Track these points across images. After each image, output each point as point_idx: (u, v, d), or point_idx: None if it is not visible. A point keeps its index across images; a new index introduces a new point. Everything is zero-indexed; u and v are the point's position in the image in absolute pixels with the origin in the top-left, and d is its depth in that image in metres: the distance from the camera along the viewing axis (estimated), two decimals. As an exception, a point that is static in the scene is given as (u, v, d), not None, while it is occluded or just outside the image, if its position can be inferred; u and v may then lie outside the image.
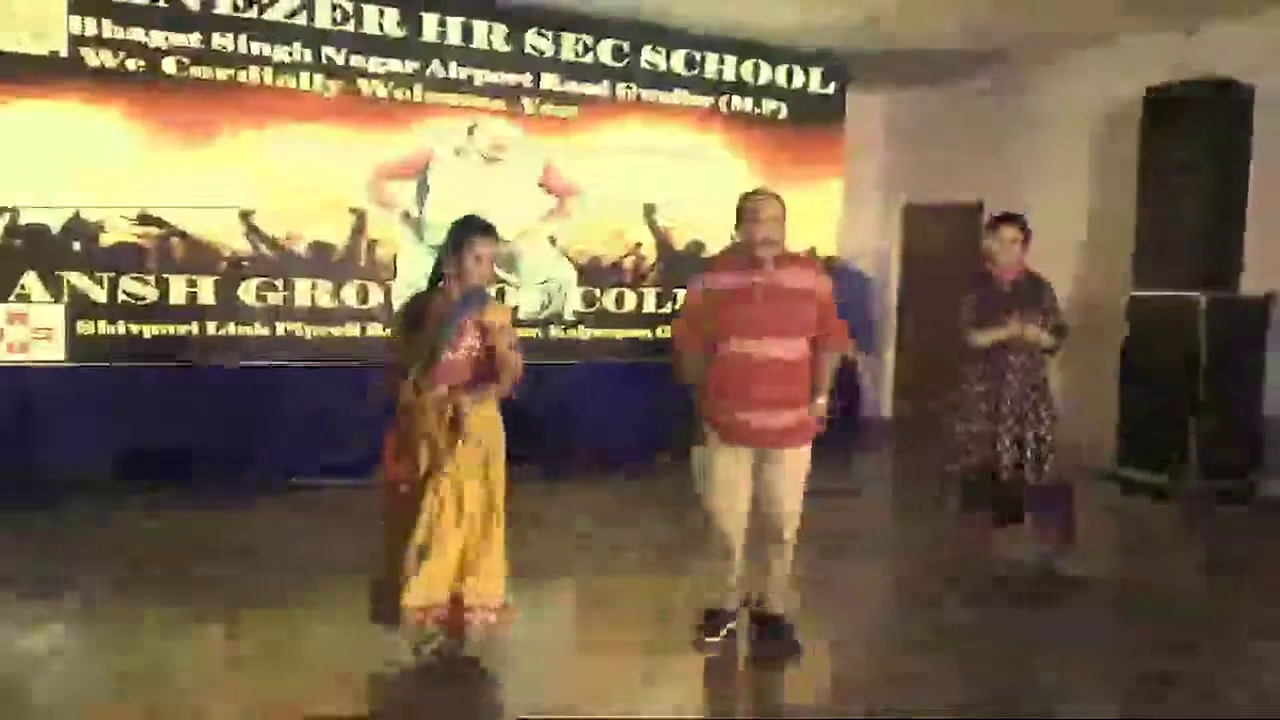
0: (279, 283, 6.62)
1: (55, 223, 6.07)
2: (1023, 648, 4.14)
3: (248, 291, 6.55)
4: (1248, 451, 6.61)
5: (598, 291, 7.60)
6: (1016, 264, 4.95)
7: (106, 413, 6.04)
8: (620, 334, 7.68)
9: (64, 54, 6.03)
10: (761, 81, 8.07)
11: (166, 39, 6.25)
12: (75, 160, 6.07)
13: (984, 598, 4.70)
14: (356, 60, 6.73)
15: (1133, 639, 4.31)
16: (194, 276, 6.41)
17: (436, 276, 3.77)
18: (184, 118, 6.30)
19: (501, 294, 7.24)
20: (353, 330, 6.81)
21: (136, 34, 6.18)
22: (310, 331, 6.71)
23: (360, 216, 6.81)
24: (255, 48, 6.46)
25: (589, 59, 7.44)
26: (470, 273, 3.67)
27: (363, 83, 6.76)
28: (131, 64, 6.18)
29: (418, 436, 3.66)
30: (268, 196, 6.54)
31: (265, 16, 6.47)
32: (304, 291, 6.70)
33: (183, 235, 6.36)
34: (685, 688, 3.82)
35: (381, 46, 6.79)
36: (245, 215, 6.50)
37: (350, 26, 6.70)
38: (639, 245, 7.71)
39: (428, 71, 6.93)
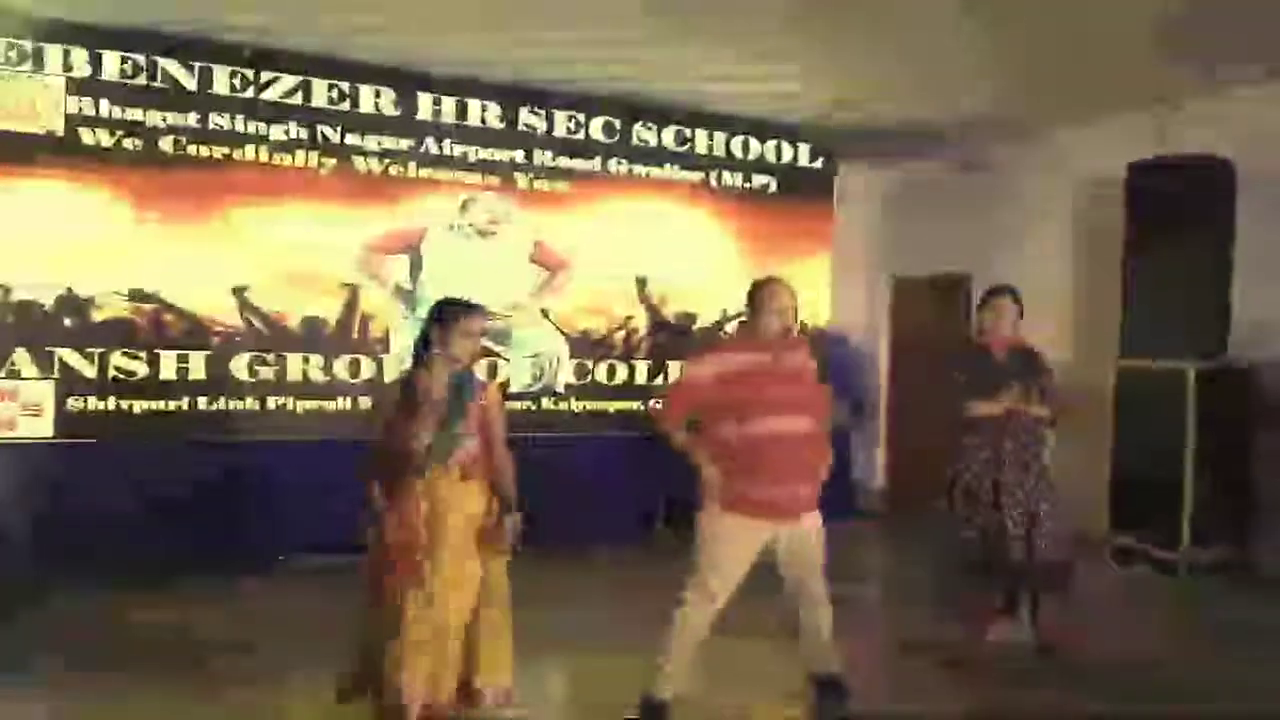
0: (271, 357, 6.60)
1: (47, 299, 6.06)
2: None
3: (240, 366, 6.52)
4: (1240, 520, 6.59)
5: (589, 364, 7.60)
6: (1011, 335, 4.97)
7: (96, 489, 5.96)
8: (613, 406, 7.65)
9: (60, 133, 6.08)
10: (751, 156, 8.18)
11: (164, 118, 6.31)
12: (70, 237, 6.10)
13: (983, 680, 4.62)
14: (351, 138, 6.80)
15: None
16: (185, 352, 6.39)
17: (419, 354, 3.74)
18: (179, 195, 6.34)
19: (494, 367, 7.24)
20: (345, 404, 6.77)
21: (134, 114, 6.24)
22: (302, 406, 6.67)
23: (353, 291, 6.82)
24: (252, 126, 6.53)
25: (580, 135, 7.53)
26: (459, 349, 3.67)
27: (358, 160, 6.83)
28: (128, 143, 6.23)
29: (421, 526, 3.57)
30: (261, 272, 6.56)
31: (262, 96, 6.55)
32: (296, 366, 6.68)
33: (175, 311, 6.36)
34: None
35: (376, 124, 6.87)
36: (238, 291, 6.51)
37: (346, 106, 6.78)
38: (630, 318, 7.74)
39: (422, 148, 7.00)
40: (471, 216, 7.18)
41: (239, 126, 6.50)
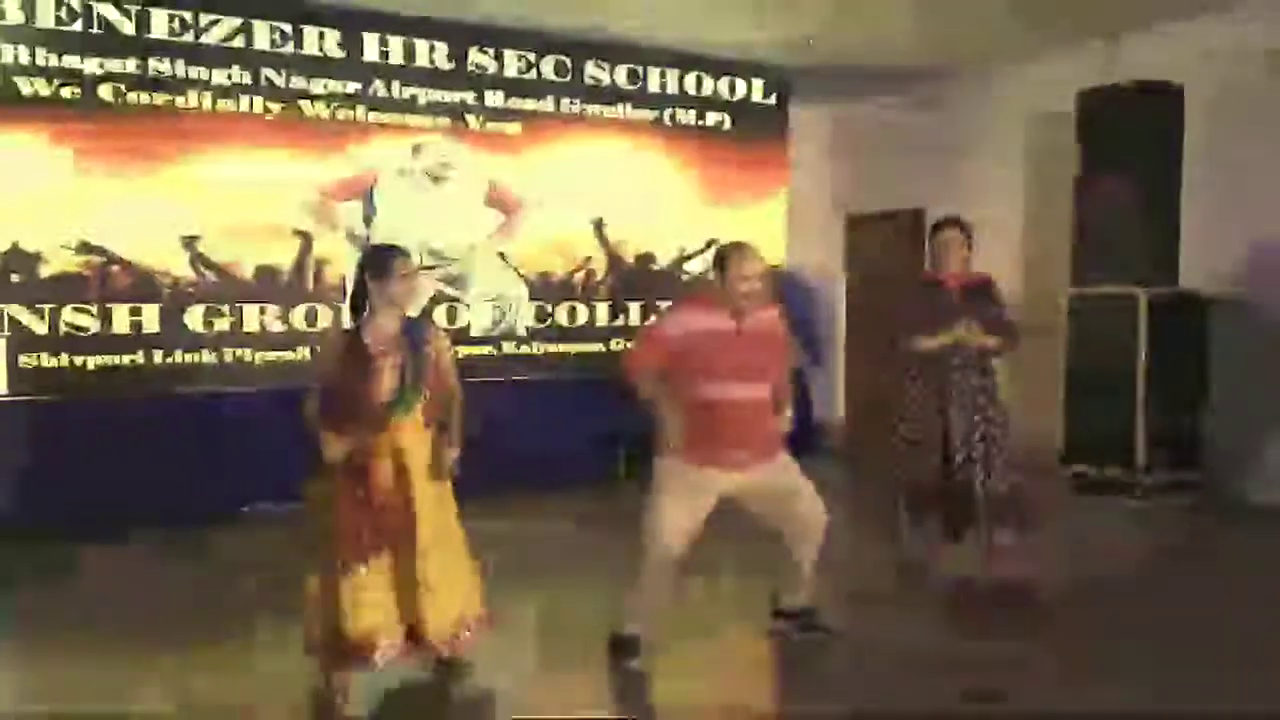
0: (225, 308, 6.51)
1: (-7, 254, 5.93)
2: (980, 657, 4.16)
3: (194, 318, 6.43)
4: (1194, 444, 6.74)
5: (549, 307, 7.57)
6: (962, 268, 5.00)
7: (52, 446, 5.89)
8: (574, 349, 7.65)
9: (-3, 83, 5.91)
10: (704, 94, 8.12)
11: (102, 65, 6.14)
12: (12, 190, 5.95)
13: (932, 606, 4.70)
14: (297, 82, 6.67)
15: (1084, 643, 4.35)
16: (138, 305, 6.29)
17: (358, 307, 3.74)
18: (122, 144, 6.20)
19: (452, 312, 7.19)
20: (304, 354, 6.71)
21: (71, 61, 6.07)
22: (260, 357, 6.61)
23: (306, 239, 6.73)
24: (193, 71, 6.37)
25: (532, 75, 7.43)
26: (399, 296, 3.68)
27: (304, 104, 6.70)
28: (67, 92, 6.06)
29: (379, 489, 3.58)
30: (211, 221, 6.45)
31: (203, 40, 6.39)
32: (252, 316, 6.59)
33: (125, 263, 6.25)
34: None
35: (322, 67, 6.73)
36: (189, 241, 6.40)
37: (290, 48, 6.63)
38: (589, 259, 7.71)
39: (370, 91, 6.88)
40: (423, 160, 7.09)
41: (180, 72, 6.34)
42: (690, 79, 8.06)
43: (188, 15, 6.34)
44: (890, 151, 9.12)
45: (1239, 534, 6.11)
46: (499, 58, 7.31)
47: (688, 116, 8.06)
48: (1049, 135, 7.61)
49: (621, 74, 7.78)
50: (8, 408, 5.96)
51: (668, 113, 7.98)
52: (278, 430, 6.21)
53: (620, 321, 7.80)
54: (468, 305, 7.29)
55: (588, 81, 7.65)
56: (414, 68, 7.03)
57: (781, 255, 8.44)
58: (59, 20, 6.05)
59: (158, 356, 6.34)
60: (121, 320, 6.26)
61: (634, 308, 7.89)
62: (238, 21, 6.48)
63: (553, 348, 7.60)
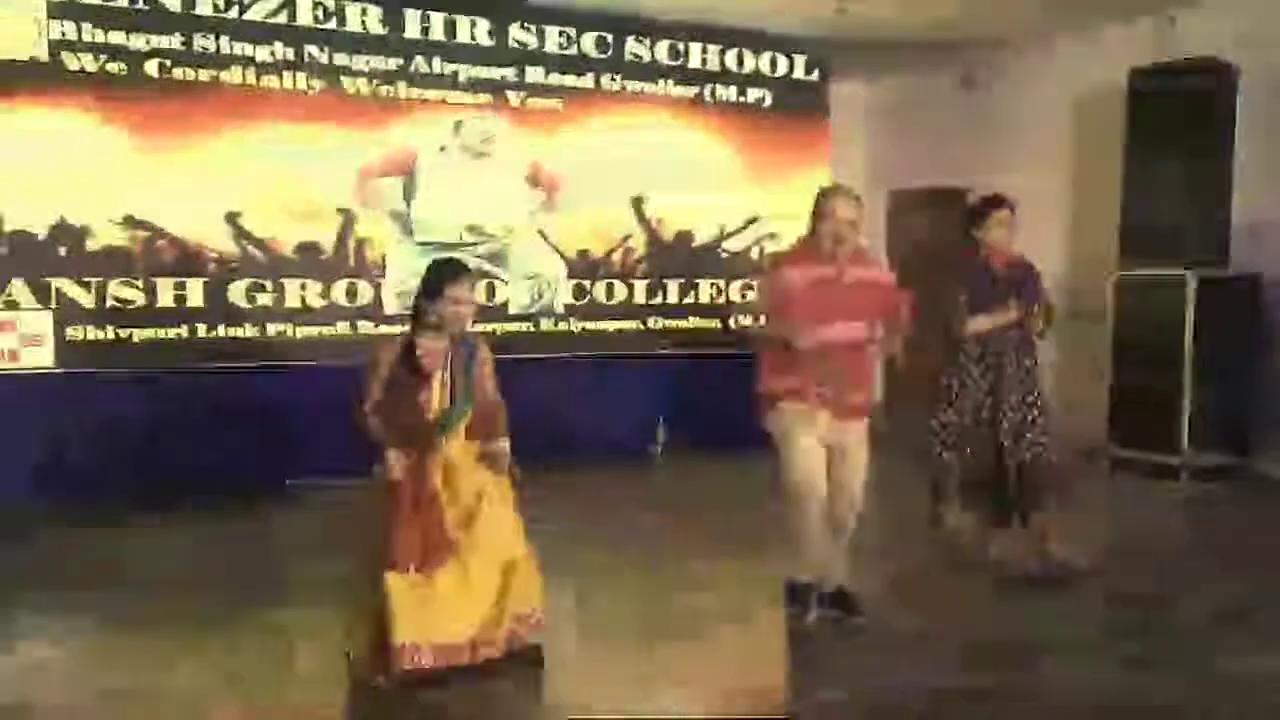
0: (268, 284, 6.57)
1: (40, 229, 6.01)
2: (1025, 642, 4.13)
3: (237, 293, 6.50)
4: (1240, 427, 6.63)
5: (588, 284, 7.57)
6: (1008, 248, 4.93)
7: (100, 418, 5.99)
8: (612, 326, 7.64)
9: (44, 59, 5.97)
10: (745, 70, 8.05)
11: (148, 41, 6.20)
12: (59, 165, 6.05)
13: (983, 593, 4.66)
14: (339, 58, 6.70)
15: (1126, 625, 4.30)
16: (182, 280, 6.36)
17: (414, 320, 3.76)
18: (167, 120, 6.28)
19: (491, 289, 7.20)
20: (344, 329, 6.75)
21: (117, 37, 6.13)
22: (301, 332, 6.66)
23: (348, 216, 6.77)
24: (237, 48, 6.41)
25: (573, 51, 7.41)
26: (451, 319, 3.70)
27: (346, 81, 6.73)
28: (113, 67, 6.12)
29: (433, 499, 3.62)
30: (254, 197, 6.51)
31: (246, 16, 6.42)
32: (293, 292, 6.65)
33: (170, 238, 6.31)
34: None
35: (364, 44, 6.76)
36: (232, 217, 6.46)
37: (332, 25, 6.66)
38: (628, 237, 7.70)
39: (411, 68, 6.89)
40: (464, 137, 7.09)
41: (224, 48, 6.38)
42: (731, 55, 8.00)
43: (232, -9, 6.38)
44: (933, 128, 9.00)
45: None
46: (540, 34, 7.30)
47: (728, 93, 8.00)
48: (1097, 114, 7.48)
49: (662, 50, 7.74)
50: (56, 380, 6.05)
51: (708, 89, 7.93)
52: (319, 405, 6.36)
53: (658, 300, 7.78)
54: (506, 282, 7.29)
55: (628, 58, 7.62)
56: (455, 44, 7.04)
57: (822, 234, 8.35)
58: (105, -4, 6.11)
59: (201, 330, 6.41)
60: (166, 294, 6.33)
61: (672, 286, 7.86)
62: (281, -2, 6.51)
63: (591, 325, 7.59)
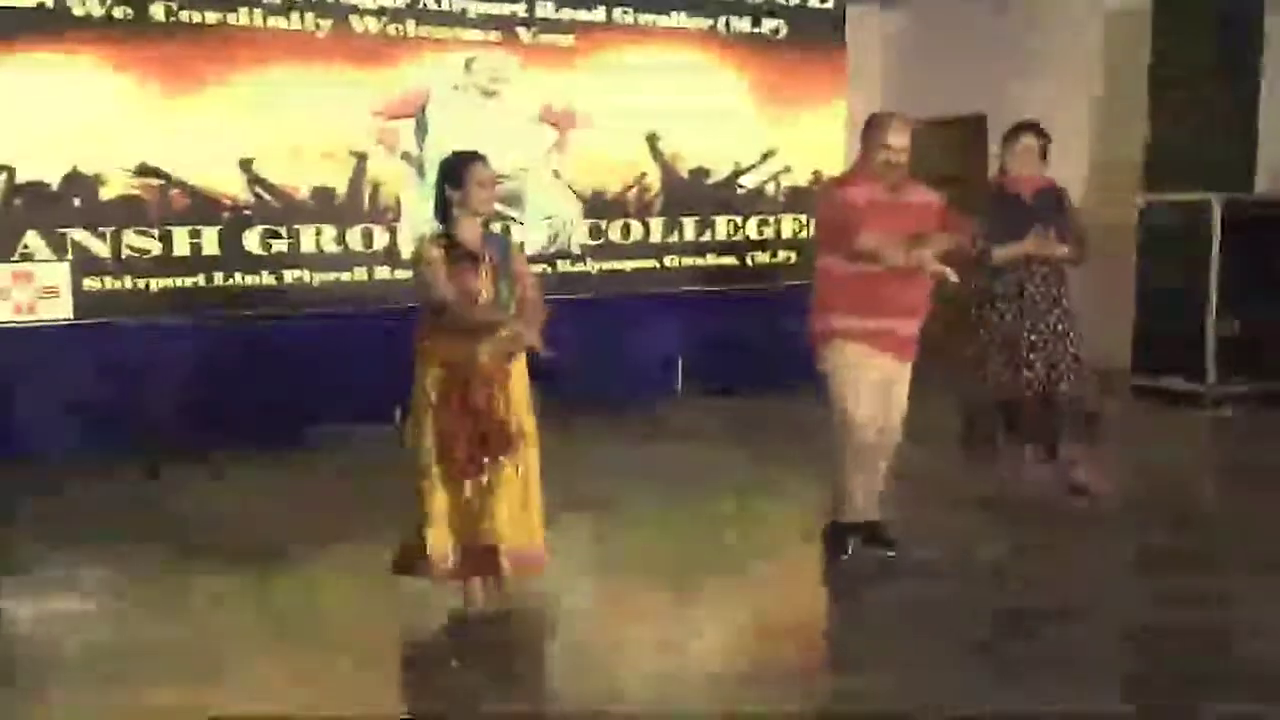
0: (283, 230, 6.52)
1: (54, 179, 5.96)
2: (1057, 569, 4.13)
3: (252, 240, 6.45)
4: (1267, 354, 6.56)
5: (603, 224, 7.49)
6: (1036, 175, 4.84)
7: (119, 370, 5.99)
8: (629, 266, 7.58)
9: (50, 5, 5.87)
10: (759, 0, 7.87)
11: (152, -17, 6.08)
12: (68, 113, 6.00)
13: (1017, 523, 4.68)
14: (347, -4, 6.57)
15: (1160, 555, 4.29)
16: (197, 227, 6.32)
17: (442, 213, 3.73)
18: (175, 65, 6.21)
19: (506, 230, 7.13)
20: (360, 275, 6.71)
21: (122, -20, 6.02)
22: (318, 278, 6.63)
23: (361, 159, 6.71)
24: (243, -12, 6.30)
25: (583, -16, 7.26)
26: (478, 201, 3.68)
27: (354, 20, 6.62)
28: (119, 11, 6.03)
29: (481, 392, 3.60)
30: (266, 142, 6.46)
31: (251, -44, 6.30)
32: (309, 238, 6.61)
33: (183, 186, 6.27)
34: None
35: (371, -20, 6.63)
36: (245, 163, 6.40)
37: (338, -38, 6.52)
38: (644, 175, 7.63)
39: (420, 4, 6.77)
40: (475, 76, 6.99)
41: (230, -11, 6.28)
42: (744, -17, 7.82)
43: (235, -70, 6.26)
44: (950, 54, 8.82)
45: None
46: (549, -33, 7.15)
47: (742, 24, 7.86)
48: (1122, 35, 7.31)
49: (674, -20, 7.58)
50: (75, 331, 6.04)
51: (722, 20, 7.77)
52: (337, 352, 6.36)
53: (675, 238, 7.72)
54: (521, 224, 7.22)
55: (640, -11, 7.47)
56: (463, -21, 6.90)
57: (841, 165, 8.25)
58: (108, -61, 6.00)
59: (218, 278, 6.38)
60: (182, 242, 6.29)
61: (688, 223, 7.78)
62: (285, -64, 6.38)
63: (607, 265, 7.53)
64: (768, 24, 7.98)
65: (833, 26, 8.22)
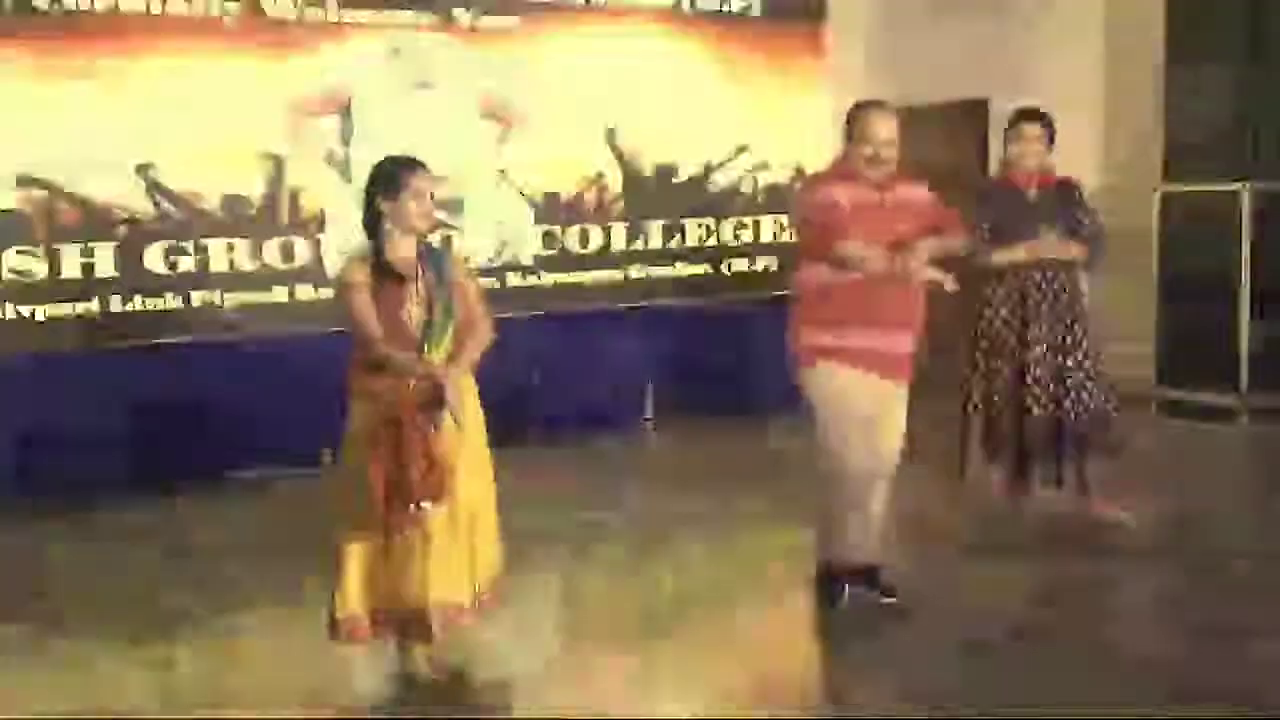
0: (189, 245, 6.38)
1: (-78, 194, 5.78)
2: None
3: (154, 258, 6.31)
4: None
5: (558, 230, 7.41)
6: (1042, 167, 4.82)
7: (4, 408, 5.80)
8: (588, 278, 7.49)
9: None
10: (728, -27, 7.80)
11: (28, -35, 5.90)
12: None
13: (1018, 551, 4.61)
14: (258, -24, 6.41)
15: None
16: (89, 245, 6.14)
17: (372, 227, 3.60)
18: (60, 59, 5.90)
19: (447, 242, 7.05)
20: (280, 295, 6.58)
21: (-8, -38, 5.84)
22: (229, 299, 6.49)
23: (277, 162, 6.53)
24: (137, -30, 6.13)
25: (528, -42, 7.15)
26: (414, 216, 3.55)
27: (266, 2, 6.45)
28: (-10, -3, 5.85)
29: (414, 445, 3.47)
30: (167, 146, 6.19)
31: (143, -70, 6.14)
32: (219, 254, 6.45)
33: (71, 197, 6.08)
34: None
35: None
36: (143, 169, 6.20)
37: (248, -62, 6.38)
38: (601, 175, 7.48)
39: (342, -15, 6.63)
40: (405, 65, 6.87)
41: (122, -29, 6.11)
42: (710, -44, 7.72)
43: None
44: (945, 33, 8.80)
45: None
46: (489, -60, 7.03)
47: (709, 1, 7.79)
48: (1135, 11, 7.34)
49: (633, -48, 7.46)
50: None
51: (686, -2, 7.68)
52: (256, 386, 6.24)
53: (639, 245, 7.62)
54: (463, 233, 7.12)
55: (593, -36, 7.34)
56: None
57: (824, 158, 8.22)
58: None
59: (115, 303, 6.23)
60: (72, 263, 6.12)
61: (654, 228, 7.70)
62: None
63: (564, 277, 7.44)
64: (737, 1, 7.96)
65: (811, 2, 8.17)
